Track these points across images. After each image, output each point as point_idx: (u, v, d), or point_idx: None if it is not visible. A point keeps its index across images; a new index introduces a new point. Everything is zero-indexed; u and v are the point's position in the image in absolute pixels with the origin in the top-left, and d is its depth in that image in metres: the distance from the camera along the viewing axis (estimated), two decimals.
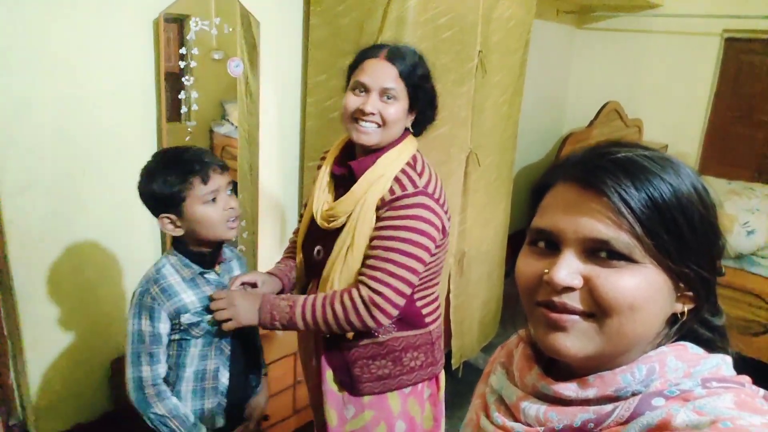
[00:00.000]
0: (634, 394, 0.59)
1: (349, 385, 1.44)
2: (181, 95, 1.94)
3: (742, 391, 0.56)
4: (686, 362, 0.60)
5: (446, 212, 1.37)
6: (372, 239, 1.33)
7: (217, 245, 1.37)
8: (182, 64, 1.92)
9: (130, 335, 1.29)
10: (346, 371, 1.43)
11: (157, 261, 1.35)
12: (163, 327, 1.29)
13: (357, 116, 1.34)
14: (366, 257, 1.33)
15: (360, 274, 1.33)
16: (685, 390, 0.56)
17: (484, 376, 0.83)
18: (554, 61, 4.19)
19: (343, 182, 1.41)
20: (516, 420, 0.67)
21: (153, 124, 1.90)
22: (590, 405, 0.61)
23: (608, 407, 0.59)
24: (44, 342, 1.79)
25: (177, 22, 1.90)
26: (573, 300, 0.60)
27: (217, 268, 1.39)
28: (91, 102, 1.73)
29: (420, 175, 1.35)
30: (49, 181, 1.69)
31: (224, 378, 1.39)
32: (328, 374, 1.45)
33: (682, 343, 0.62)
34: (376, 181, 1.34)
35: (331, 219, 1.39)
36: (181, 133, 1.98)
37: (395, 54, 1.34)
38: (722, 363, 0.61)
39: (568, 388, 0.62)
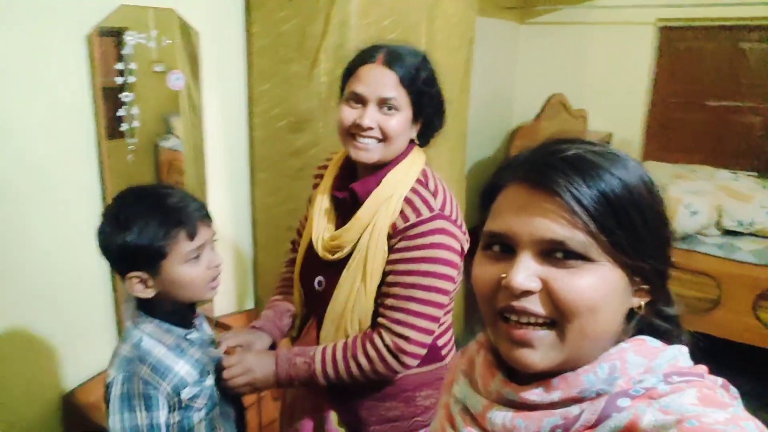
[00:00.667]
0: (598, 394, 0.59)
1: (356, 427, 1.30)
2: (121, 112, 1.87)
3: (703, 384, 0.57)
4: (645, 356, 0.60)
5: (464, 232, 1.25)
6: (387, 273, 1.19)
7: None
8: (120, 79, 1.84)
9: None
10: (353, 413, 1.29)
11: (128, 336, 1.09)
12: (163, 415, 1.05)
13: (354, 131, 1.19)
14: (384, 295, 1.20)
15: (379, 315, 1.19)
16: (649, 387, 0.57)
17: (446, 386, 0.82)
18: (499, 57, 4.25)
19: (344, 206, 1.27)
20: (484, 430, 0.66)
21: (92, 143, 1.82)
22: (556, 408, 0.60)
23: (574, 410, 0.59)
24: None
25: (112, 36, 1.82)
26: (533, 304, 0.59)
27: (195, 323, 1.20)
28: (23, 123, 1.64)
29: (434, 194, 1.22)
30: None
31: None
32: (333, 415, 1.32)
33: (640, 337, 0.63)
34: (384, 203, 1.20)
35: (335, 250, 1.24)
36: (122, 151, 1.91)
37: (394, 57, 1.18)
38: (679, 354, 0.61)
39: (533, 393, 0.62)
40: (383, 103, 1.18)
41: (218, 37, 2.15)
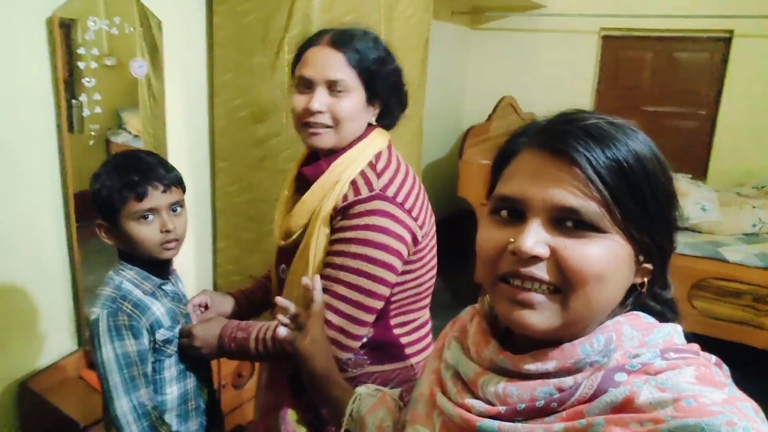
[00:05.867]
0: (592, 365, 0.59)
1: (318, 427, 1.24)
2: (82, 100, 1.85)
3: (699, 362, 0.57)
4: (641, 331, 0.61)
5: (416, 218, 1.16)
6: (326, 255, 1.16)
7: None
8: (82, 65, 1.83)
9: (112, 363, 1.12)
10: (313, 411, 1.23)
11: (109, 281, 1.21)
12: (147, 343, 1.17)
13: (306, 118, 1.14)
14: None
15: None
16: (646, 363, 0.57)
17: (436, 352, 0.81)
18: (451, 61, 4.38)
19: (300, 192, 1.23)
20: (475, 396, 0.65)
21: (53, 135, 1.79)
22: (550, 378, 0.60)
23: (568, 381, 0.59)
24: None
25: (72, 23, 1.82)
26: (540, 270, 0.59)
27: (171, 278, 1.30)
28: None
29: (379, 175, 1.15)
30: None
31: (204, 394, 1.33)
32: (291, 414, 1.28)
33: (635, 312, 0.63)
34: (331, 188, 1.15)
35: (287, 235, 1.22)
36: (83, 143, 1.89)
37: (341, 37, 1.14)
38: (674, 332, 0.62)
39: (528, 362, 0.61)
40: (332, 86, 1.13)
41: (180, 27, 2.16)
